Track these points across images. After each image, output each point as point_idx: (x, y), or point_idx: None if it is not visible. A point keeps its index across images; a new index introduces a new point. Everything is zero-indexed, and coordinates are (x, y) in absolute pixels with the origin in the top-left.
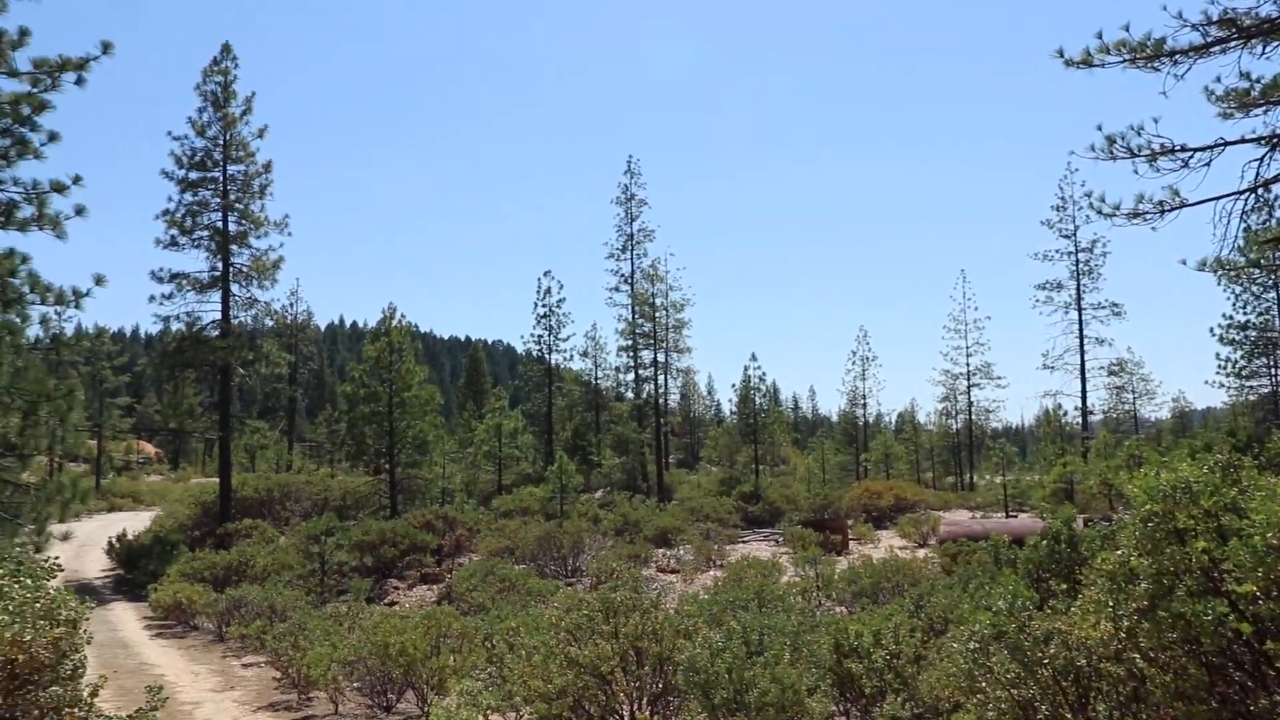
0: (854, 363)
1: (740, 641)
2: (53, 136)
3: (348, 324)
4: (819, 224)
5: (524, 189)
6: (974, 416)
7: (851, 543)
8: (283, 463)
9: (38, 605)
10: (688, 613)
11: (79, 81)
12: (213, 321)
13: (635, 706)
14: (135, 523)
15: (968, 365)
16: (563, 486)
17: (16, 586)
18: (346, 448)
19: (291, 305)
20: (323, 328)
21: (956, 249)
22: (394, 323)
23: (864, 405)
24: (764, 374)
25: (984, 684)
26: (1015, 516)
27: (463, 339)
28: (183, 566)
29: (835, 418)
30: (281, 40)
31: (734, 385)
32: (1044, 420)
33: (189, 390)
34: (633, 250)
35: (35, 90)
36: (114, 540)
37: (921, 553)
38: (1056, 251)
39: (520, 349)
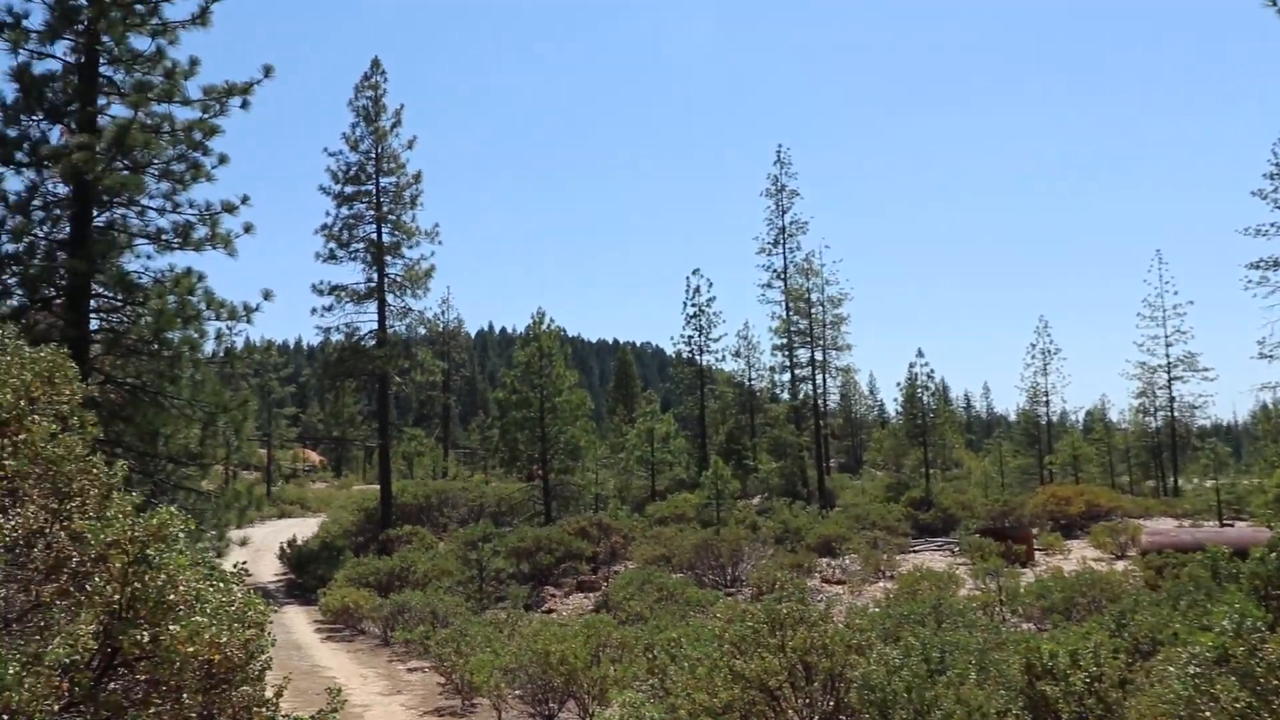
0: (1034, 356)
1: (920, 659)
2: (222, 159)
3: (497, 330)
4: (991, 205)
5: (670, 185)
6: (1176, 414)
7: (1037, 553)
8: (439, 469)
9: (232, 609)
10: (859, 626)
11: (244, 105)
12: (370, 331)
13: None
14: (303, 528)
15: (1167, 356)
16: (718, 492)
17: (211, 590)
18: (500, 454)
19: (443, 313)
20: (473, 335)
21: (1150, 227)
22: (543, 327)
23: (1046, 403)
24: (932, 371)
25: (1208, 713)
26: (1231, 525)
27: (610, 342)
28: (349, 571)
29: (1013, 417)
30: (425, 48)
31: (899, 384)
32: (1262, 416)
33: (349, 399)
34: (785, 244)
35: (205, 116)
36: (285, 546)
37: (1120, 565)
38: (1272, 225)
39: (670, 351)
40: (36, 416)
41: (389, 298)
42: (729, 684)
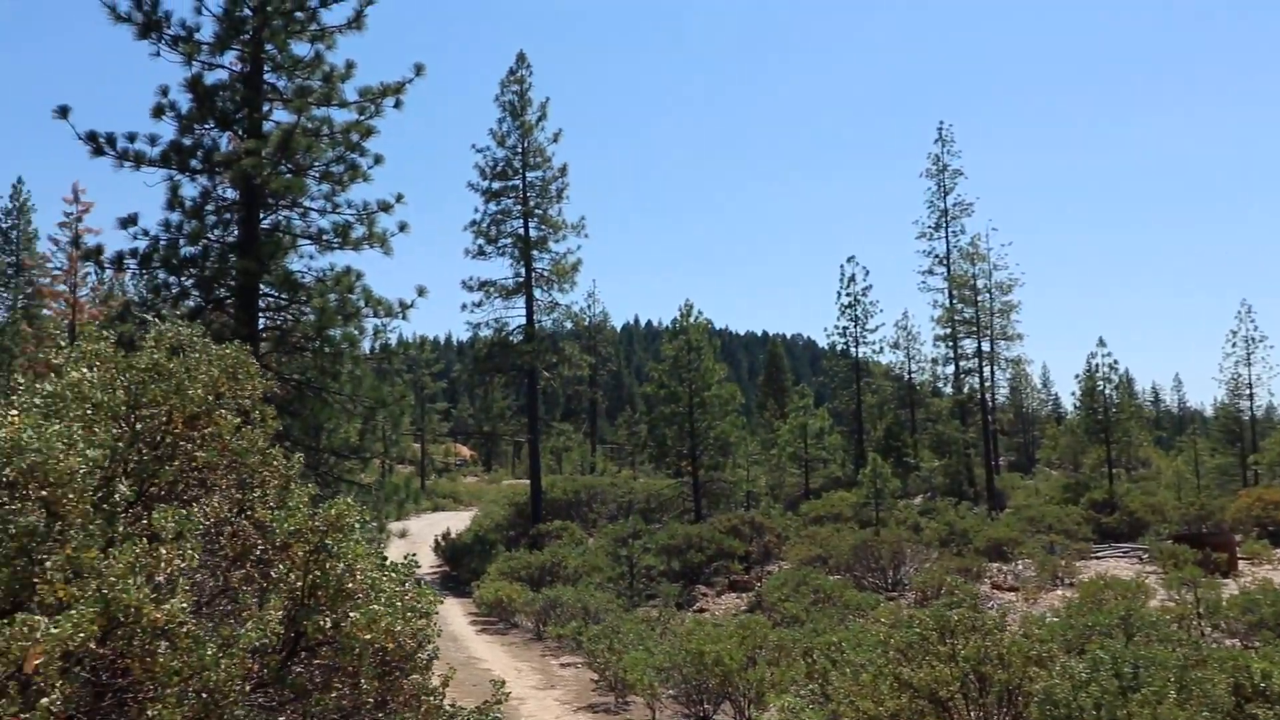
0: (1234, 344)
1: (1110, 673)
2: (378, 159)
3: (643, 323)
4: (1181, 180)
5: (822, 169)
6: None
7: (1241, 563)
8: (586, 464)
9: (405, 598)
10: (1038, 636)
11: (397, 105)
12: (518, 327)
13: None
14: (456, 522)
15: None
16: (877, 491)
17: (385, 579)
18: (648, 449)
19: (589, 307)
20: (618, 328)
21: None
22: (691, 320)
23: (1250, 396)
24: (1114, 361)
25: None
26: None
27: (760, 334)
28: (501, 565)
29: (1210, 412)
30: (568, 38)
31: (1077, 376)
32: None
33: (498, 394)
34: (947, 227)
35: (362, 118)
36: (439, 538)
37: None
38: None
39: (823, 343)
40: (223, 411)
41: (536, 292)
42: (895, 692)
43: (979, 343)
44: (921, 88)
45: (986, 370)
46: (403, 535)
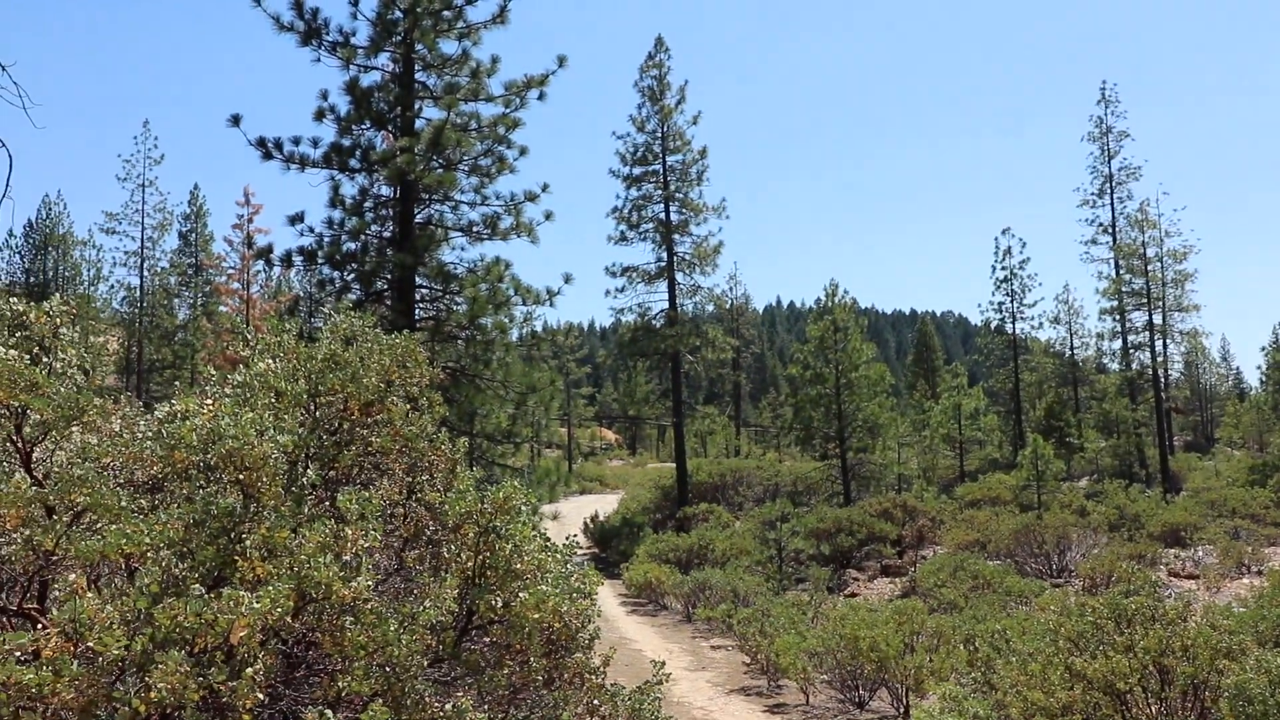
0: None
1: None
2: (523, 151)
3: (784, 304)
4: None
5: (971, 140)
6: None
7: None
8: (731, 447)
9: (570, 579)
10: (1226, 627)
11: (541, 97)
12: (660, 311)
13: None
14: (603, 505)
15: None
16: (1039, 473)
17: (551, 560)
18: (793, 432)
19: (731, 289)
20: (761, 310)
21: None
22: (836, 299)
23: None
24: None
25: None
26: None
27: (907, 312)
28: (649, 547)
29: None
30: (708, 16)
31: (1262, 348)
32: None
33: (642, 378)
34: (1112, 194)
35: (507, 111)
36: (588, 521)
37: None
38: None
39: (976, 319)
40: (394, 398)
41: (678, 276)
42: (1067, 684)
43: (1149, 315)
44: (1083, 44)
45: (1158, 344)
46: (555, 518)
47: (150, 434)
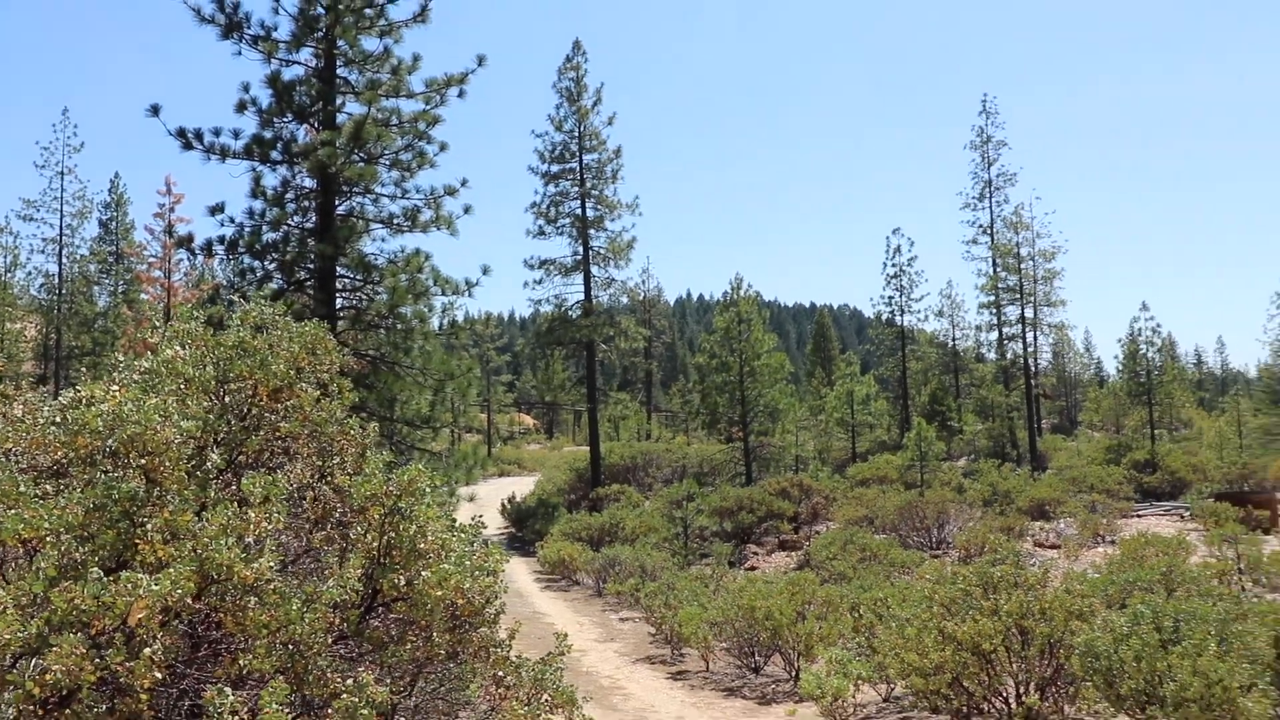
0: (1278, 305)
1: (1150, 627)
2: (443, 146)
3: (695, 297)
4: (1222, 144)
5: (867, 142)
6: None
7: None
8: (642, 431)
9: (474, 557)
10: (1080, 592)
11: (461, 94)
12: (577, 302)
13: (1022, 689)
14: (520, 487)
15: None
16: (922, 454)
17: (455, 540)
18: (701, 416)
19: (643, 282)
20: (672, 302)
21: None
22: (740, 292)
23: None
24: (1157, 325)
25: None
26: None
27: (807, 305)
28: (563, 526)
29: (1253, 373)
30: (623, 21)
31: (1119, 340)
32: None
33: (559, 367)
34: (991, 197)
35: (428, 107)
36: (505, 502)
37: None
38: None
39: (869, 312)
40: (304, 384)
41: (594, 269)
42: (940, 645)
43: (1022, 309)
44: (966, 58)
45: (1029, 336)
46: (471, 499)
47: (54, 420)
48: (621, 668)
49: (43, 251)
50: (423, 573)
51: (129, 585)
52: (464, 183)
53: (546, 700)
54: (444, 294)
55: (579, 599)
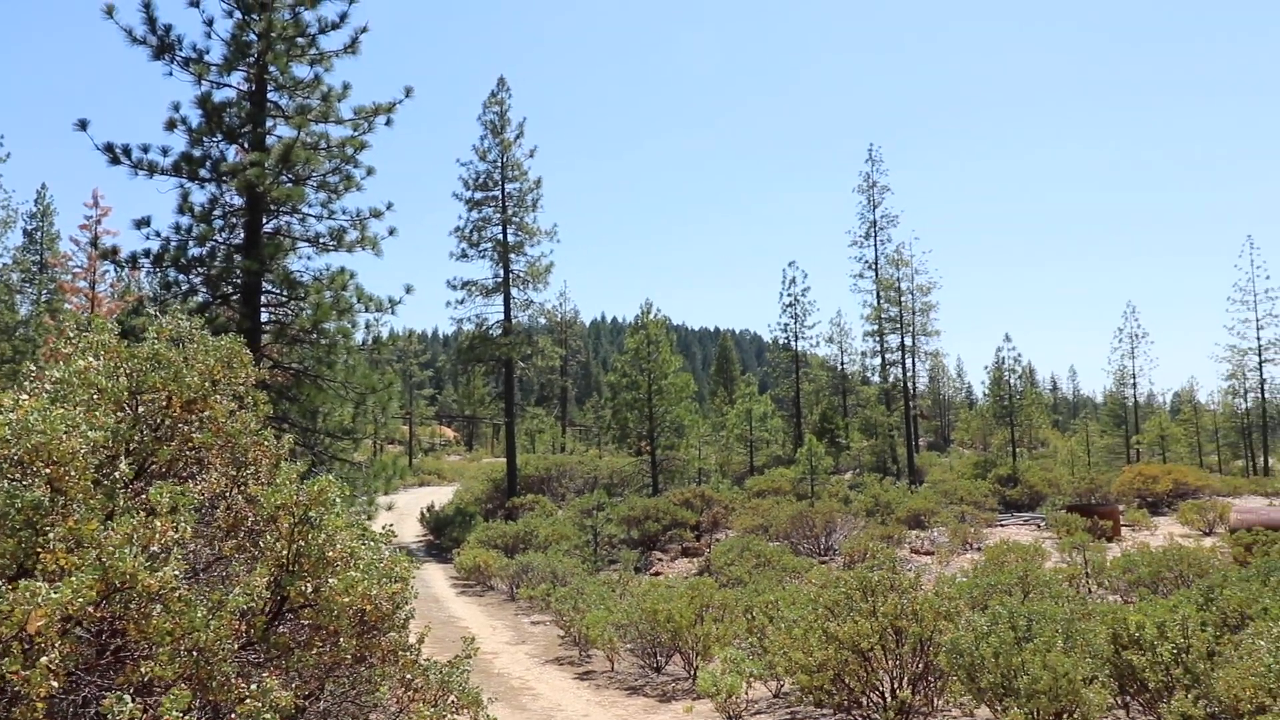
0: (1121, 340)
1: (1007, 626)
2: (370, 171)
3: (609, 319)
4: (1079, 191)
5: (767, 181)
6: (1267, 395)
7: (1124, 529)
8: (557, 445)
9: (381, 565)
10: (947, 594)
11: (388, 122)
12: (497, 322)
13: (896, 684)
14: (440, 496)
15: (1259, 340)
16: (812, 468)
17: (364, 548)
18: (611, 431)
19: (560, 304)
20: (587, 324)
21: (1238, 212)
22: (650, 316)
23: (1134, 385)
24: (1019, 355)
25: None
26: None
27: (712, 329)
28: (479, 534)
29: (1100, 399)
30: (541, 50)
31: (986, 367)
32: None
33: (479, 382)
34: (876, 237)
35: (355, 134)
36: (424, 511)
37: (1208, 542)
38: None
39: (767, 337)
40: (218, 396)
41: (514, 291)
42: (823, 644)
43: (902, 338)
44: (856, 112)
45: (909, 362)
46: (389, 508)
47: None
48: (531, 669)
49: None
50: (330, 580)
51: (28, 594)
52: (389, 206)
53: (452, 702)
54: (368, 311)
55: (493, 604)
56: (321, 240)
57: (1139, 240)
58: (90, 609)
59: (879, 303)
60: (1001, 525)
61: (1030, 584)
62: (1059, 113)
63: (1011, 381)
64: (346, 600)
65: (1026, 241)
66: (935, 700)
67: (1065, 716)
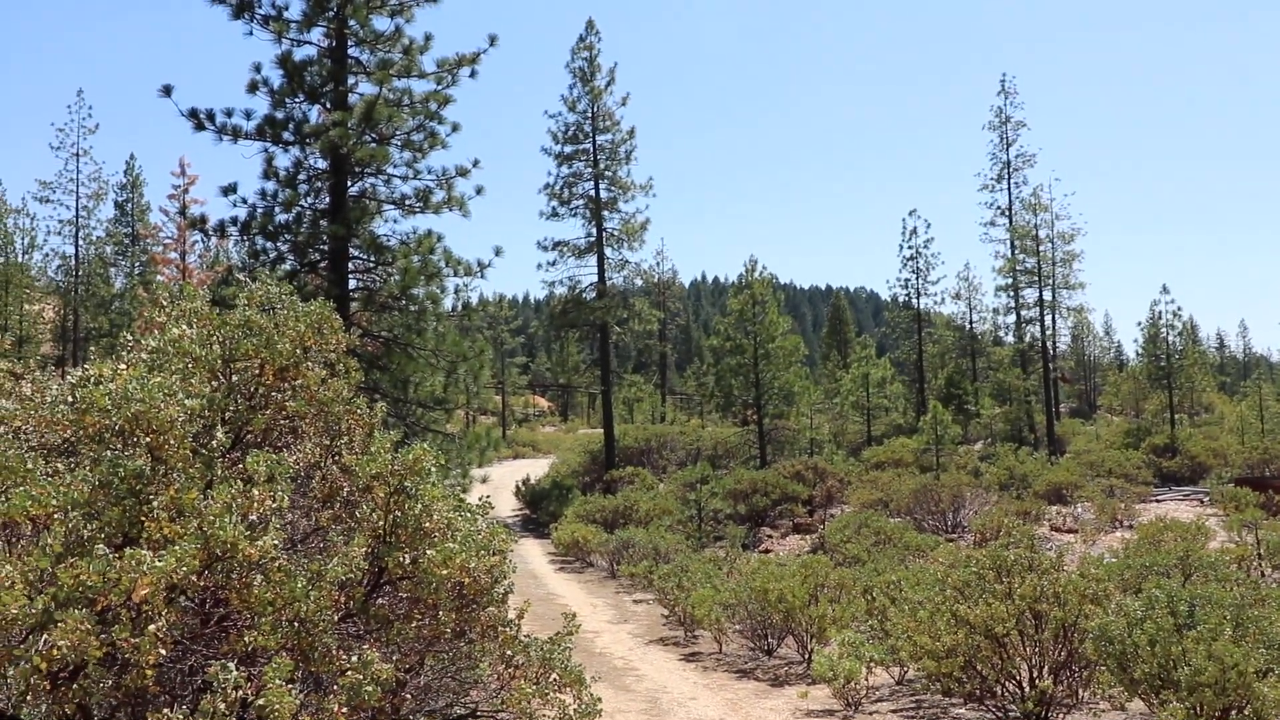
0: None
1: (1165, 611)
2: (455, 127)
3: (709, 279)
4: (1244, 127)
5: (884, 124)
6: None
7: None
8: (657, 414)
9: (479, 537)
10: (1094, 576)
11: (473, 74)
12: (590, 284)
13: (1035, 673)
14: (535, 469)
15: None
16: (938, 437)
17: (460, 520)
18: (715, 399)
19: (658, 264)
20: (686, 285)
21: None
22: (755, 275)
23: None
24: (1178, 308)
25: None
26: None
27: (823, 288)
28: (577, 509)
29: (1277, 357)
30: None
31: (1139, 323)
32: None
33: (573, 349)
34: (1009, 179)
35: (439, 88)
36: (519, 484)
37: None
38: None
39: (885, 295)
40: (310, 364)
41: (607, 251)
42: (952, 629)
43: (1040, 292)
44: (985, 37)
45: (1048, 319)
46: (483, 481)
47: (63, 398)
48: (635, 649)
49: (59, 233)
50: (428, 551)
51: (134, 562)
52: (476, 163)
53: (554, 680)
54: (456, 275)
55: (593, 581)
56: (407, 202)
57: None
58: (194, 578)
59: (1013, 253)
60: (1157, 500)
61: (1192, 565)
62: (1234, 28)
63: (1169, 339)
64: (445, 573)
65: (1186, 181)
66: (1080, 691)
67: (1234, 713)
